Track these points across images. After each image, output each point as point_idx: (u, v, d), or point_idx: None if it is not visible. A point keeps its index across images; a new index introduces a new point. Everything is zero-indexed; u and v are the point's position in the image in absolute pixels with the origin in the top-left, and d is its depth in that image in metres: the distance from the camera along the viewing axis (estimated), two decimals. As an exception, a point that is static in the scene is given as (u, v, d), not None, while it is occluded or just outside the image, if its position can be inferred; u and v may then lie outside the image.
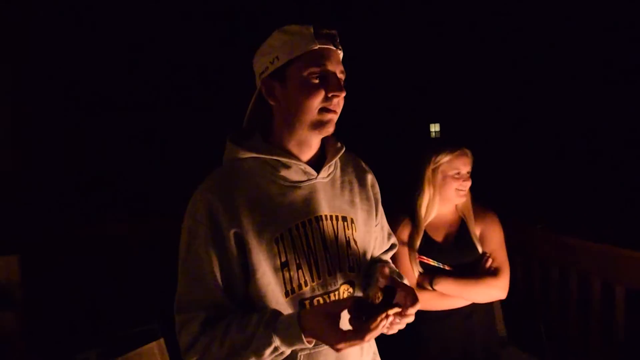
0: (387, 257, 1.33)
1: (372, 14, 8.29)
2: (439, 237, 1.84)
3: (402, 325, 1.05)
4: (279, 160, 1.08)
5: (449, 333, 1.78)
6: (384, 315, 0.92)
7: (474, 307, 1.78)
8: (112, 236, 3.06)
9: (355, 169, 1.25)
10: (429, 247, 1.80)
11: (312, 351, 1.07)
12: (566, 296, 2.41)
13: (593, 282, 2.26)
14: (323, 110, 1.05)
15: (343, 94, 1.06)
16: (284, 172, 1.09)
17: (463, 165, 1.80)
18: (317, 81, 1.04)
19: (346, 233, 1.14)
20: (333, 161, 1.17)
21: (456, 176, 1.79)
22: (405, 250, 1.80)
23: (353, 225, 1.16)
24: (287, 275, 1.05)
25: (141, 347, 2.04)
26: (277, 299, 1.04)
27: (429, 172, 1.81)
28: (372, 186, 1.26)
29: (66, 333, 2.71)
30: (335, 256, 1.11)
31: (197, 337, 1.01)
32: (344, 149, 1.21)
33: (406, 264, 1.78)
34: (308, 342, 0.96)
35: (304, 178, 1.11)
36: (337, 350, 0.93)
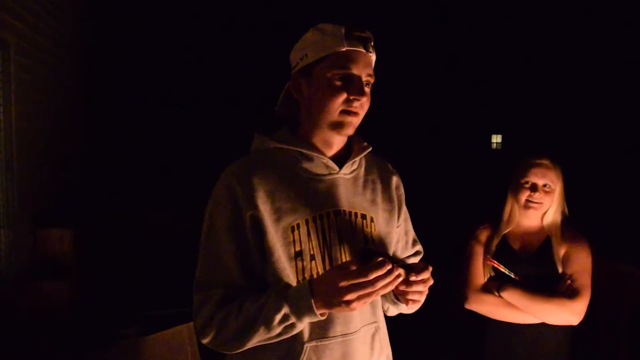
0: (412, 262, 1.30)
1: (438, 24, 8.17)
2: (518, 246, 1.76)
3: (417, 297, 1.05)
4: (302, 152, 1.09)
5: (513, 349, 1.70)
6: (389, 263, 0.92)
7: (544, 328, 1.68)
8: (156, 225, 3.20)
9: (379, 169, 1.23)
10: (504, 253, 1.73)
11: (319, 344, 1.06)
12: (615, 331, 2.23)
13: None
14: (344, 112, 1.05)
15: (364, 99, 1.05)
16: (306, 164, 1.10)
17: (536, 177, 1.70)
18: (339, 83, 1.04)
19: (364, 230, 1.13)
20: (357, 159, 1.16)
21: (526, 186, 1.72)
22: (479, 250, 1.76)
23: (373, 223, 1.15)
24: (300, 264, 1.05)
25: (172, 328, 2.11)
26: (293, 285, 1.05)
27: (513, 179, 1.77)
28: (397, 188, 1.24)
29: (110, 307, 2.85)
30: (352, 251, 1.10)
31: (214, 313, 1.02)
32: (370, 148, 1.20)
33: (477, 264, 1.74)
34: (320, 314, 0.95)
35: (325, 172, 1.11)
36: (345, 297, 0.91)
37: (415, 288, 1.02)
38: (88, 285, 3.03)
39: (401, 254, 1.28)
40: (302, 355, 1.04)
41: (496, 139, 10.34)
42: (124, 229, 3.34)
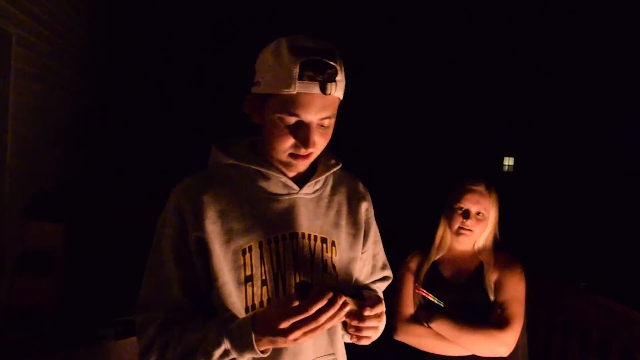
0: (378, 287, 1.24)
1: (452, 44, 8.11)
2: (448, 274, 1.71)
3: (371, 333, 0.99)
4: (258, 171, 1.04)
5: None
6: (329, 292, 0.86)
7: None
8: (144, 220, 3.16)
9: (348, 189, 1.16)
10: (435, 281, 1.69)
11: None
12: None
13: (636, 356, 1.99)
14: (292, 155, 0.99)
15: (311, 150, 0.97)
16: (262, 183, 1.04)
17: (470, 203, 1.66)
18: (286, 129, 0.96)
19: (324, 255, 1.07)
20: (321, 178, 1.10)
21: (459, 212, 1.67)
22: (410, 278, 1.72)
23: (334, 248, 1.08)
24: (250, 290, 1.00)
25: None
26: (238, 313, 1.00)
27: (446, 204, 1.73)
28: (366, 210, 1.17)
29: (94, 304, 2.83)
30: (307, 278, 1.04)
31: (155, 338, 0.98)
32: (339, 166, 1.14)
33: (407, 293, 1.70)
34: (262, 351, 0.90)
35: (284, 191, 1.05)
36: (289, 337, 0.86)
37: (368, 323, 0.96)
38: (74, 282, 3.01)
39: (367, 278, 1.22)
40: None
41: (508, 161, 10.19)
42: (116, 226, 3.32)
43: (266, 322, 0.90)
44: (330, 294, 0.87)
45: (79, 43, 3.91)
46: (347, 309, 0.89)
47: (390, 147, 8.21)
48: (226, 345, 0.91)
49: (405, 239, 1.94)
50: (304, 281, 0.96)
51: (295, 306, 0.87)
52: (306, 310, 0.86)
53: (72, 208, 3.19)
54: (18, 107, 2.64)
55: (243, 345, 0.90)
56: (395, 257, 1.73)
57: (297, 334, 0.86)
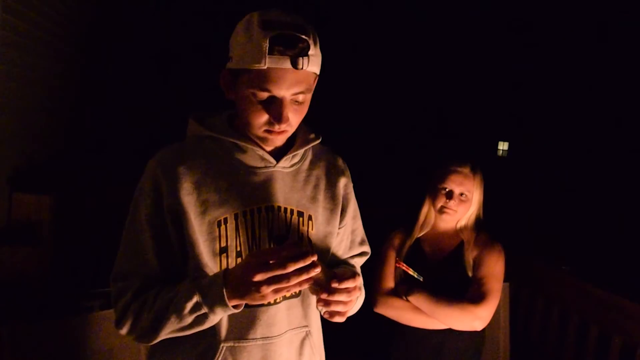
0: (355, 262, 1.24)
1: (447, 29, 8.03)
2: (430, 250, 1.76)
3: (340, 308, 0.97)
4: (235, 143, 1.03)
5: (418, 355, 1.68)
6: (303, 247, 0.87)
7: (450, 334, 1.65)
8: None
9: (327, 164, 1.15)
10: (415, 257, 1.74)
11: (236, 344, 1.02)
12: (582, 350, 2.19)
13: (612, 340, 2.03)
14: (267, 131, 0.98)
15: (283, 126, 0.96)
16: (239, 156, 1.04)
17: (454, 184, 1.68)
18: (259, 105, 0.95)
19: (300, 229, 1.07)
20: (299, 152, 1.09)
21: (442, 192, 1.68)
22: (392, 254, 1.76)
23: (310, 222, 1.08)
24: (225, 261, 1.00)
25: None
26: None
27: (431, 183, 1.76)
28: (345, 186, 1.17)
29: (79, 278, 2.83)
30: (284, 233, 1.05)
31: (130, 303, 0.99)
32: (318, 140, 1.13)
33: (388, 268, 1.74)
34: (233, 305, 0.91)
35: (260, 164, 1.04)
36: (254, 278, 0.85)
37: (337, 297, 0.94)
38: (61, 254, 3.01)
39: (345, 253, 1.22)
40: (218, 355, 1.00)
41: (503, 146, 10.21)
42: (105, 199, 3.31)
43: (236, 274, 0.90)
44: (304, 248, 0.88)
45: (66, 10, 3.83)
46: (317, 270, 0.88)
47: (384, 131, 8.19)
48: (197, 298, 0.91)
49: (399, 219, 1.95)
50: (282, 235, 0.96)
51: (266, 250, 0.88)
52: (276, 254, 0.86)
53: (58, 180, 3.17)
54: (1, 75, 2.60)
55: (214, 299, 0.90)
56: (379, 235, 1.75)
57: (261, 276, 0.85)
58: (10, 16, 2.62)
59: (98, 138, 4.87)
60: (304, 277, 0.86)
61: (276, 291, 0.87)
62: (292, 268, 0.85)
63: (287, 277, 0.85)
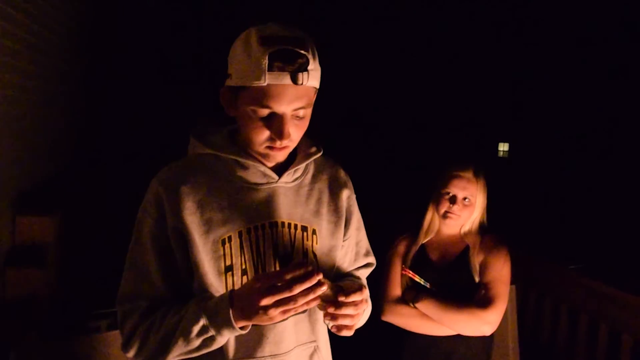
0: (361, 274, 1.24)
1: (446, 30, 8.07)
2: (435, 256, 1.74)
3: (348, 322, 0.97)
4: (237, 160, 1.03)
5: None
6: (309, 267, 0.87)
7: (459, 339, 1.64)
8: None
9: (330, 176, 1.15)
10: (421, 263, 1.72)
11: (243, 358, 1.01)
12: (593, 349, 2.17)
13: (623, 337, 2.01)
14: (269, 147, 0.98)
15: (285, 142, 0.96)
16: (241, 173, 1.03)
17: (457, 189, 1.68)
18: (260, 122, 0.94)
19: (304, 244, 1.06)
20: (301, 166, 1.09)
21: (446, 197, 1.68)
22: (397, 261, 1.75)
23: (314, 236, 1.08)
24: (230, 279, 1.00)
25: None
26: None
27: (434, 188, 1.76)
28: (348, 198, 1.17)
29: (85, 299, 2.83)
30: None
31: (137, 325, 0.99)
32: (319, 154, 1.13)
33: (394, 275, 1.73)
34: (241, 327, 0.91)
35: (263, 180, 1.04)
36: (261, 302, 0.85)
37: (344, 311, 0.94)
38: (66, 275, 3.01)
39: (350, 266, 1.22)
40: None
41: (503, 147, 10.20)
42: (110, 220, 3.31)
43: (242, 296, 0.90)
44: (309, 268, 0.87)
45: (63, 32, 3.87)
46: (324, 288, 0.88)
47: (386, 132, 8.20)
48: (204, 321, 0.92)
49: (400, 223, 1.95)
50: (285, 254, 0.98)
51: (272, 272, 0.88)
52: (281, 276, 0.86)
53: (62, 201, 3.18)
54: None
55: (221, 321, 0.91)
56: (383, 243, 1.74)
57: (269, 300, 0.86)
58: (10, 42, 2.65)
59: (101, 157, 4.88)
60: (311, 296, 0.87)
61: (284, 312, 0.87)
62: (298, 290, 0.85)
63: (294, 298, 0.86)
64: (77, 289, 2.94)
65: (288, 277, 0.86)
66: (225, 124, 1.13)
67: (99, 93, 4.94)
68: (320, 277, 0.88)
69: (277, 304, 0.86)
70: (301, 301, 0.86)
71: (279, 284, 0.86)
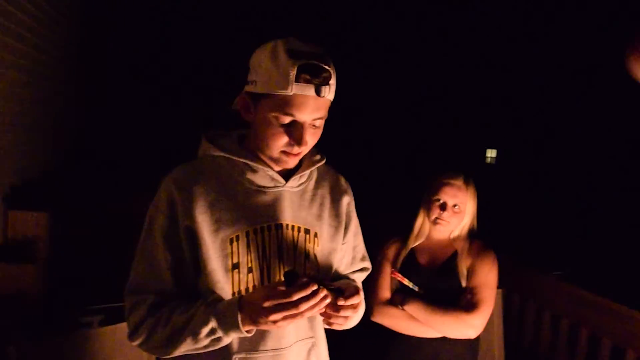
0: (356, 277, 1.30)
1: (436, 38, 8.17)
2: (424, 260, 1.80)
3: (342, 322, 1.06)
4: (247, 164, 1.09)
5: None
6: (314, 284, 0.94)
7: (445, 342, 1.70)
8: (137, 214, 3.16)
9: (331, 183, 1.22)
10: (410, 267, 1.78)
11: (247, 356, 1.07)
12: (573, 353, 2.25)
13: (603, 343, 2.09)
14: (284, 152, 1.05)
15: (302, 148, 1.03)
16: (250, 176, 1.09)
17: (447, 196, 1.73)
18: (281, 128, 1.02)
19: (306, 246, 1.13)
20: (306, 172, 1.15)
21: (436, 203, 1.74)
22: (387, 264, 1.80)
23: (316, 239, 1.15)
24: (236, 276, 1.06)
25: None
26: (225, 298, 1.06)
27: (425, 194, 1.80)
28: (348, 204, 1.24)
29: (78, 294, 2.84)
30: (290, 266, 1.10)
31: (145, 318, 1.04)
32: (322, 161, 1.20)
33: (384, 277, 1.78)
34: (247, 330, 0.98)
35: (270, 184, 1.11)
36: (270, 318, 0.93)
37: (342, 313, 1.03)
38: (59, 271, 3.01)
39: (346, 269, 1.28)
40: None
41: (491, 153, 10.35)
42: (104, 216, 3.32)
43: (251, 303, 0.97)
44: (315, 287, 0.95)
45: (59, 29, 3.87)
46: (327, 301, 0.97)
47: (374, 140, 8.27)
48: (213, 324, 0.98)
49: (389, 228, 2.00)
50: (292, 271, 1.03)
51: (281, 291, 0.94)
52: (290, 296, 0.93)
53: (54, 196, 3.19)
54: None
55: (229, 325, 0.98)
56: (375, 246, 1.79)
57: (277, 316, 0.94)
58: (8, 38, 2.65)
59: (94, 154, 4.88)
60: (316, 310, 0.96)
61: (290, 322, 0.96)
62: (304, 307, 0.94)
63: (300, 313, 0.94)
64: (68, 285, 2.95)
65: (295, 298, 0.93)
66: (226, 128, 1.19)
67: (96, 94, 4.94)
68: (324, 293, 0.96)
69: (284, 318, 0.94)
70: (307, 314, 0.96)
71: (287, 302, 0.94)
